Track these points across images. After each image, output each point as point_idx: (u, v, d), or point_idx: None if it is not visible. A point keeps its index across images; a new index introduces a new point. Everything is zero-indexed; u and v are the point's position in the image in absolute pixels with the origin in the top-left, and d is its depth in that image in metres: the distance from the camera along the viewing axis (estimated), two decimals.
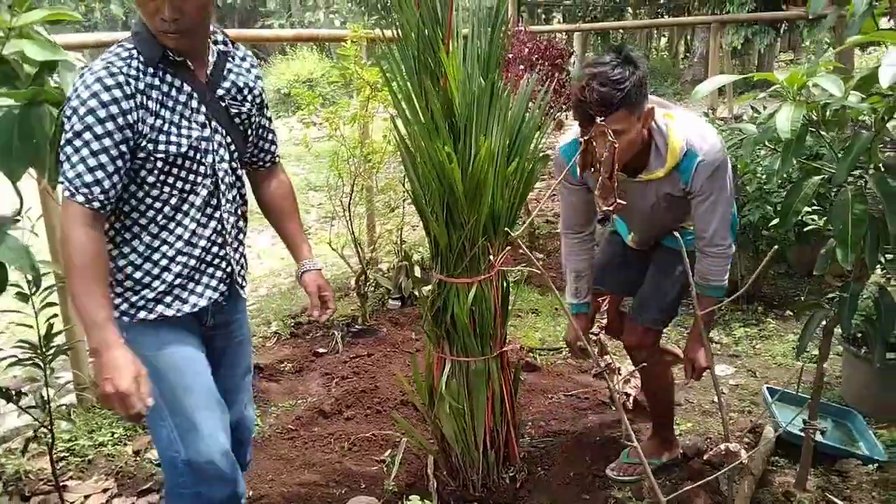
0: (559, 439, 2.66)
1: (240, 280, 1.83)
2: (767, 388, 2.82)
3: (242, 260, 1.87)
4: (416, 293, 4.13)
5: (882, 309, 1.97)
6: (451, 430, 2.27)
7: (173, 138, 1.60)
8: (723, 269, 2.14)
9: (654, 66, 20.72)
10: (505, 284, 2.30)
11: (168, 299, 1.68)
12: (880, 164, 1.83)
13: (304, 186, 7.49)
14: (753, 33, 14.75)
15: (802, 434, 2.23)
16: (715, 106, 4.83)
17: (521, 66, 4.68)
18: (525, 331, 3.73)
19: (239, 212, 1.82)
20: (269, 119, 1.89)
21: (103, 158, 1.50)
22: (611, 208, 1.35)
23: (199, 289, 1.73)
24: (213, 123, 1.68)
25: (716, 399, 1.73)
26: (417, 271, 4.15)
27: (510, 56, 4.70)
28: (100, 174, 1.50)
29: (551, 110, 2.62)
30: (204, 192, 1.68)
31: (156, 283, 1.67)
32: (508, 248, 2.23)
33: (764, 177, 3.50)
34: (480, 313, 2.20)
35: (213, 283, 1.75)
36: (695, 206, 2.07)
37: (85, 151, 1.48)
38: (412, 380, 2.38)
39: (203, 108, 1.66)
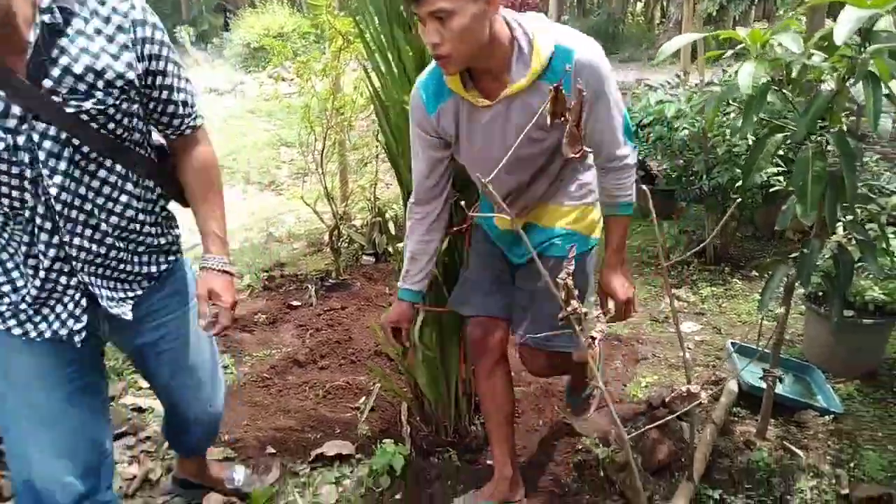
0: (530, 389, 2.73)
1: (114, 307, 1.50)
2: (731, 342, 2.92)
3: (129, 271, 1.53)
4: (390, 249, 4.15)
5: (840, 265, 2.04)
6: (423, 377, 2.32)
7: None
8: (628, 181, 1.79)
9: (630, 31, 20.68)
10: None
11: (13, 322, 1.44)
12: (840, 123, 1.88)
13: (276, 142, 7.41)
14: (728, 0, 14.79)
15: (763, 385, 2.33)
16: (687, 70, 4.88)
17: None
18: None
19: (106, 223, 1.44)
20: (172, 86, 1.47)
21: None
22: (577, 155, 1.37)
23: (51, 317, 1.44)
24: (40, 127, 1.29)
25: (681, 354, 1.78)
26: (391, 228, 4.16)
27: None
28: None
29: None
30: (27, 215, 1.34)
31: (13, 297, 1.42)
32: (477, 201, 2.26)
33: (732, 139, 3.57)
34: (453, 264, 2.23)
35: (64, 315, 1.45)
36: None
37: None
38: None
39: (16, 110, 1.26)
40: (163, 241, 1.59)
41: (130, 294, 1.55)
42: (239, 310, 3.46)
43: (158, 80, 1.44)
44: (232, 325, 1.61)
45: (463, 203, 1.93)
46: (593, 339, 1.58)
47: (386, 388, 2.58)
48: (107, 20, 1.34)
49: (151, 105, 1.47)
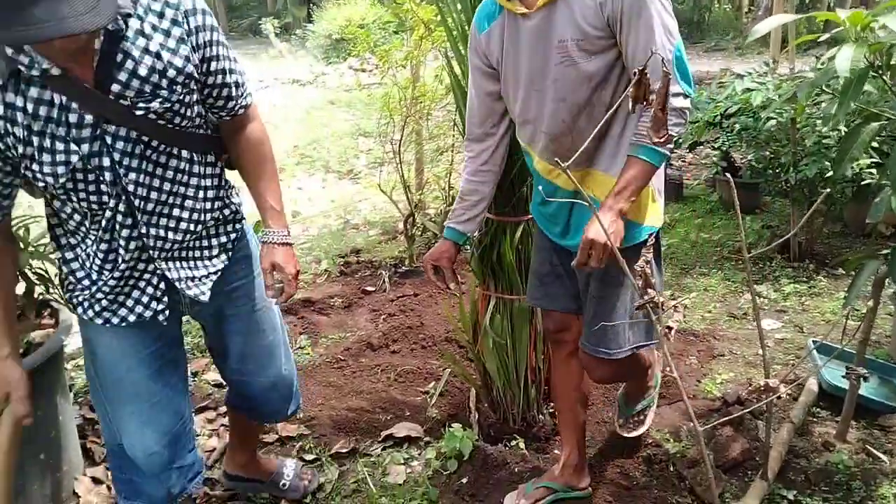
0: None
1: (191, 289, 1.58)
2: (813, 340, 2.80)
3: (206, 251, 1.62)
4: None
5: None
6: (493, 365, 2.34)
7: (47, 169, 1.33)
8: (669, 125, 1.48)
9: (716, 19, 19.94)
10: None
11: (97, 308, 1.53)
12: None
13: (355, 132, 7.56)
14: None
15: (845, 386, 2.24)
16: (776, 58, 4.68)
17: None
18: None
19: (181, 209, 1.52)
20: (224, 70, 1.50)
21: None
22: (662, 140, 1.34)
23: (129, 303, 1.54)
24: (111, 129, 1.34)
25: (759, 351, 1.73)
26: None
27: None
28: None
29: None
30: (108, 214, 1.42)
31: (92, 289, 1.51)
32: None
33: (822, 130, 3.41)
34: (527, 252, 2.23)
35: (145, 299, 1.54)
36: (625, 38, 1.53)
37: None
38: (458, 317, 2.45)
39: (88, 119, 1.32)
40: (227, 212, 1.66)
41: (212, 269, 1.63)
42: (315, 293, 3.58)
43: (213, 65, 1.46)
44: (295, 291, 1.67)
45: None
46: (669, 329, 1.55)
47: (456, 374, 2.62)
48: (161, 15, 1.36)
49: (207, 90, 1.50)
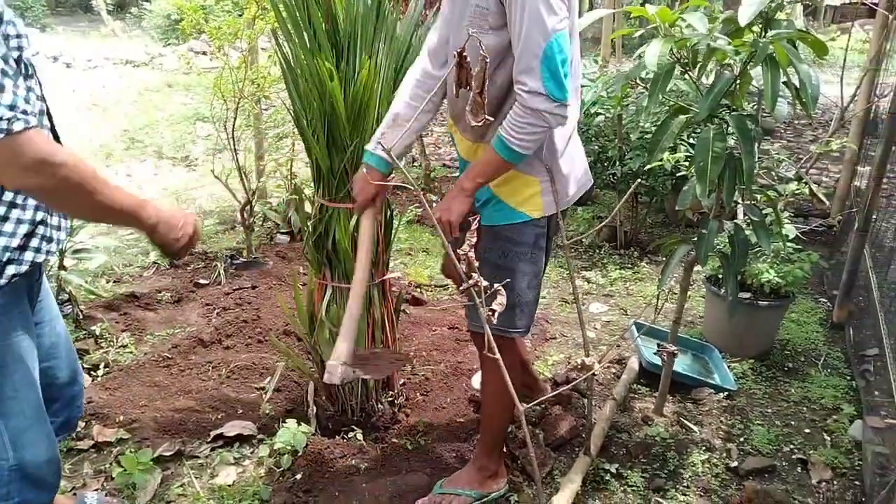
0: (439, 368, 2.73)
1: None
2: (635, 322, 2.99)
3: None
4: (304, 227, 4.07)
5: (736, 245, 2.12)
6: (330, 355, 2.27)
7: None
8: (519, 123, 1.56)
9: None
10: (388, 212, 2.29)
11: (34, 242, 1.39)
12: (742, 107, 1.94)
13: (192, 116, 7.14)
14: None
15: (661, 360, 2.40)
16: (607, 58, 4.95)
17: None
18: (415, 268, 3.76)
19: None
20: None
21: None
22: (479, 124, 1.35)
23: (34, 244, 1.40)
24: None
25: (589, 334, 1.81)
26: (308, 206, 4.07)
27: None
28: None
29: None
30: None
31: (26, 216, 1.37)
32: (392, 174, 2.22)
33: (645, 125, 3.65)
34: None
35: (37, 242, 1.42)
36: (509, 23, 1.54)
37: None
38: (295, 308, 2.36)
39: None
40: None
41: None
42: (143, 287, 3.33)
43: None
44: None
45: None
46: (493, 311, 1.57)
47: (292, 367, 2.52)
48: None
49: None
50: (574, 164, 1.81)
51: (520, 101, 1.55)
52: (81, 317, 2.86)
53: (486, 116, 1.33)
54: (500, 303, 1.53)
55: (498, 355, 1.43)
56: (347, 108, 1.99)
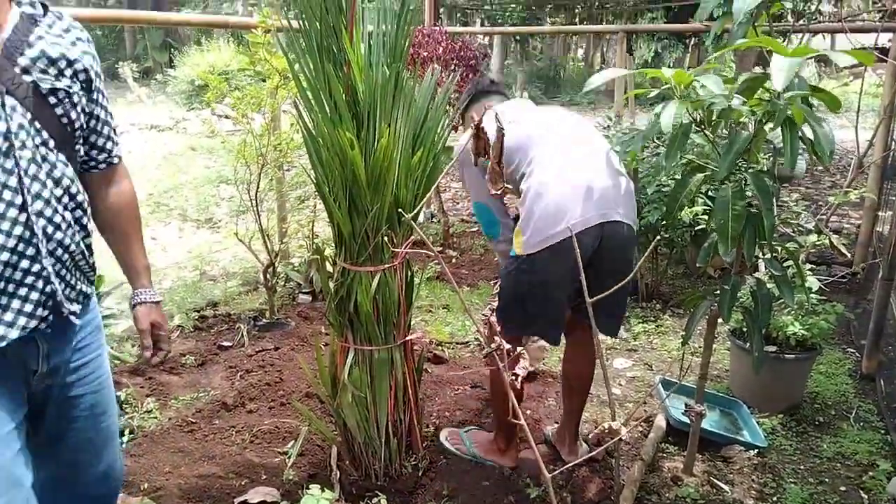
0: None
1: (68, 305, 1.40)
2: (660, 378, 2.95)
3: (75, 278, 1.45)
4: (325, 288, 4.10)
5: (759, 300, 2.10)
6: (353, 419, 2.27)
7: None
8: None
9: (570, 76, 21.33)
10: (409, 274, 2.32)
11: None
12: (759, 164, 1.96)
13: (216, 179, 7.31)
14: (663, 47, 15.46)
15: (689, 420, 2.36)
16: (620, 113, 5.02)
17: (436, 67, 4.73)
18: (435, 325, 3.77)
19: (64, 215, 1.39)
20: (106, 108, 1.55)
21: None
22: (499, 192, 1.39)
23: (9, 315, 1.30)
24: (10, 100, 1.29)
25: (614, 391, 1.80)
26: (329, 266, 4.11)
27: (424, 55, 4.74)
28: None
29: (459, 106, 2.66)
30: None
31: None
32: (412, 237, 2.25)
33: (662, 179, 3.67)
34: (384, 302, 2.21)
35: (28, 307, 1.32)
36: None
37: None
38: (317, 370, 2.37)
39: None
40: (87, 266, 1.50)
41: (81, 296, 1.47)
42: None
43: (99, 98, 1.50)
44: (171, 349, 1.76)
45: None
46: (516, 376, 1.58)
47: (315, 431, 2.52)
48: (66, 30, 1.44)
49: (91, 122, 1.50)
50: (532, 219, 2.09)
51: None
52: None
53: (505, 185, 1.36)
54: (523, 367, 1.53)
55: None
56: (368, 175, 2.03)
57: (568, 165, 2.11)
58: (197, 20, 3.91)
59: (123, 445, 2.58)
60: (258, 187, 3.65)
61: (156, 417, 2.79)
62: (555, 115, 2.40)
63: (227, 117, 10.58)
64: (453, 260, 4.87)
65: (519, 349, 1.56)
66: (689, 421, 2.35)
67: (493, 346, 1.44)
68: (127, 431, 2.65)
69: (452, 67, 4.75)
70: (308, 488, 2.16)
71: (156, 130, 10.76)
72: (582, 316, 2.06)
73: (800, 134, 1.80)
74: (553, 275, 2.08)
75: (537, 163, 2.13)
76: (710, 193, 3.58)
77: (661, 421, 2.68)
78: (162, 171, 7.78)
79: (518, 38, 20.12)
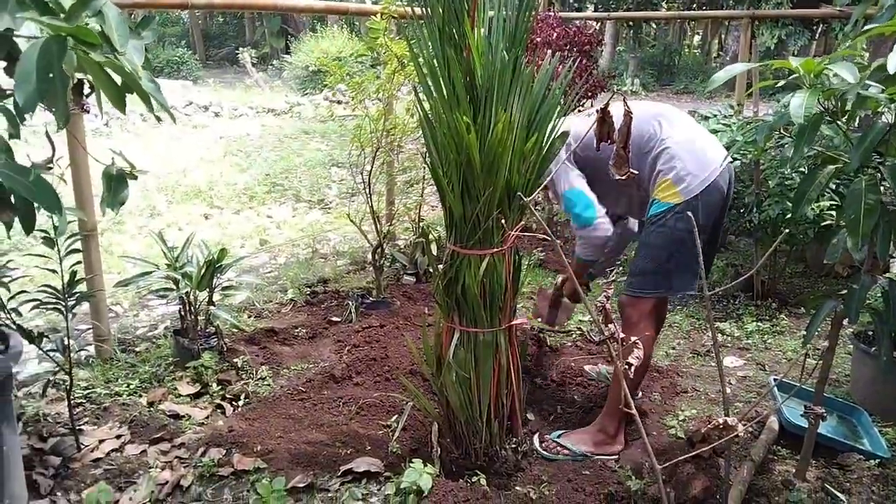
0: (564, 415, 2.69)
1: None
2: (774, 378, 2.83)
3: None
4: (432, 269, 4.18)
5: (891, 302, 1.97)
6: (456, 398, 2.31)
7: None
8: (578, 242, 2.61)
9: (686, 63, 20.50)
10: (517, 259, 2.33)
11: None
12: (895, 155, 1.83)
13: (327, 162, 7.56)
14: (787, 34, 14.56)
15: (805, 425, 2.25)
16: (741, 102, 4.80)
17: (549, 51, 4.69)
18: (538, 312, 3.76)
19: None
20: None
21: None
22: (624, 177, 1.37)
23: None
24: None
25: (722, 388, 1.75)
26: (434, 249, 4.19)
27: (538, 40, 4.70)
28: None
29: (574, 92, 2.63)
30: None
31: None
32: (522, 222, 2.26)
33: (785, 171, 3.49)
34: (491, 286, 2.23)
35: None
36: None
37: None
38: (422, 349, 2.43)
39: None
40: None
41: None
42: (279, 323, 3.53)
43: None
44: None
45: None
46: (629, 365, 1.56)
47: (418, 407, 2.58)
48: None
49: None
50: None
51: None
52: (225, 349, 3.07)
53: (631, 170, 1.34)
54: (636, 356, 1.51)
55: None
56: (482, 159, 2.05)
57: (695, 128, 2.45)
58: (319, 7, 4.03)
59: (239, 409, 2.75)
60: (371, 170, 3.75)
61: (269, 385, 2.95)
62: (654, 105, 2.61)
63: (338, 102, 10.97)
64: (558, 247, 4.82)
65: (633, 338, 1.54)
66: (806, 423, 2.24)
67: (606, 332, 1.43)
68: (242, 396, 2.82)
69: (566, 53, 4.70)
70: (411, 462, 2.24)
71: (272, 114, 11.24)
72: None
73: None
74: (706, 217, 2.33)
75: (671, 129, 2.38)
76: (839, 189, 3.38)
77: (773, 423, 2.57)
78: (277, 152, 8.13)
79: (631, 23, 19.53)
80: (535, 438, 2.54)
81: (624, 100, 1.40)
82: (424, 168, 4.37)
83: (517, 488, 2.26)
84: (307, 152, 8.14)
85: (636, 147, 2.38)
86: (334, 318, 3.63)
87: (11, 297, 2.28)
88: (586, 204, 2.46)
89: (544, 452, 2.48)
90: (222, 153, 8.00)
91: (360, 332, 3.45)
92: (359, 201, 3.98)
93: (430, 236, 4.22)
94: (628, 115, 1.31)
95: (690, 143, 2.37)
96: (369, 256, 4.07)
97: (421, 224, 4.31)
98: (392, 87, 3.76)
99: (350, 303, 3.73)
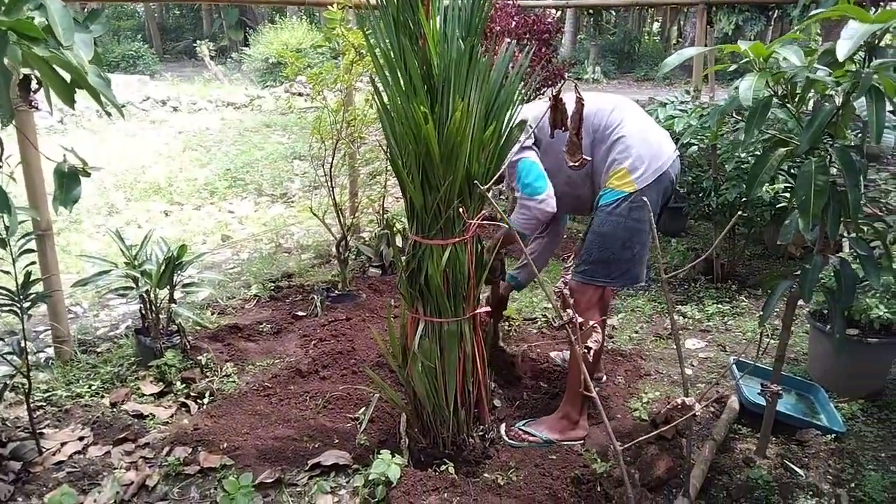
0: (531, 402, 2.72)
1: None
2: (734, 359, 2.89)
3: None
4: (397, 261, 4.17)
5: (842, 281, 2.03)
6: (423, 388, 2.32)
7: None
8: (518, 212, 2.47)
9: (646, 50, 20.71)
10: (479, 248, 2.33)
11: None
12: (845, 138, 1.88)
13: (289, 155, 7.48)
14: (744, 20, 14.81)
15: (764, 403, 2.30)
16: (699, 87, 4.87)
17: (508, 41, 4.70)
18: None
19: None
20: None
21: None
22: (577, 164, 1.38)
23: None
24: None
25: (685, 371, 1.78)
26: (399, 240, 4.18)
27: (497, 29, 4.70)
28: None
29: (531, 81, 2.65)
30: None
31: None
32: (483, 212, 2.27)
33: (741, 155, 3.55)
34: (454, 275, 2.23)
35: None
36: None
37: None
38: (388, 341, 2.42)
39: None
40: None
41: None
42: (243, 319, 3.49)
43: None
44: None
45: None
46: (588, 349, 1.58)
47: (385, 399, 2.58)
48: None
49: None
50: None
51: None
52: (188, 347, 3.03)
53: (584, 157, 1.35)
54: (595, 340, 1.53)
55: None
56: (441, 149, 2.05)
57: (647, 120, 2.48)
58: None
59: (204, 406, 2.72)
60: (332, 163, 3.72)
61: (234, 381, 2.92)
62: (609, 96, 2.62)
63: (299, 94, 10.84)
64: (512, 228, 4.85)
65: (591, 322, 1.56)
66: (764, 402, 2.30)
67: (566, 318, 1.45)
68: (207, 393, 2.79)
69: (525, 42, 4.71)
70: (379, 453, 2.24)
71: (232, 107, 11.07)
72: None
73: (890, 108, 1.71)
74: (655, 205, 2.36)
75: (626, 119, 2.41)
76: (792, 171, 3.45)
77: (733, 402, 2.63)
78: (237, 146, 8.02)
79: (591, 11, 19.64)
80: (502, 428, 2.55)
81: (576, 87, 1.40)
82: (387, 159, 4.35)
83: (485, 475, 2.28)
84: (268, 145, 8.04)
85: (591, 137, 2.40)
86: (299, 313, 3.61)
87: None
88: (538, 175, 2.43)
89: (511, 441, 2.49)
90: (181, 148, 7.86)
91: (325, 325, 3.43)
92: (322, 194, 3.95)
93: (395, 227, 4.21)
94: (580, 101, 1.32)
95: (644, 133, 2.40)
96: (334, 250, 4.05)
97: (385, 216, 4.29)
98: (351, 78, 3.73)
99: (315, 297, 3.70)
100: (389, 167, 4.19)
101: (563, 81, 1.90)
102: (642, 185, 2.33)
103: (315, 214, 3.83)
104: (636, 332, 3.41)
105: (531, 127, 2.47)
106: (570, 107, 1.42)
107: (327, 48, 3.97)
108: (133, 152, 7.50)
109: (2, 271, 2.33)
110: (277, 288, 3.97)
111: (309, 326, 3.45)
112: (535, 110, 2.53)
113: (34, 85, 1.79)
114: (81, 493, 2.18)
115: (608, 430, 1.47)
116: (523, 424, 2.55)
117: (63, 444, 2.41)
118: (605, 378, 2.90)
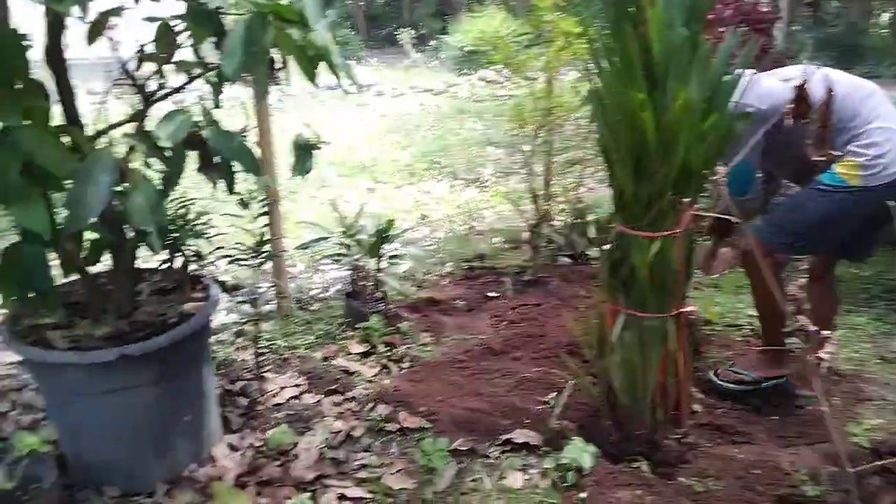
0: (733, 412, 2.58)
1: None
2: None
3: None
4: (589, 252, 4.13)
5: None
6: (619, 382, 2.28)
7: None
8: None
9: (873, 44, 18.57)
10: (691, 243, 2.24)
11: None
12: None
13: (483, 141, 7.65)
14: None
15: None
16: None
17: (722, 29, 4.45)
18: (703, 303, 3.60)
19: None
20: None
21: None
22: (823, 158, 1.28)
23: None
24: None
25: None
26: (592, 231, 4.14)
27: (710, 17, 4.46)
28: None
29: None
30: None
31: None
32: (698, 205, 2.17)
33: None
34: (661, 270, 2.17)
35: None
36: None
37: None
38: (584, 329, 2.41)
39: None
40: None
41: None
42: (439, 294, 3.66)
43: None
44: None
45: None
46: (820, 360, 1.48)
47: (580, 387, 2.57)
48: None
49: None
50: None
51: None
52: (391, 314, 3.23)
53: (831, 151, 1.25)
54: (829, 352, 1.43)
55: None
56: (657, 138, 1.99)
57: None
58: None
59: (404, 371, 2.88)
60: (532, 149, 3.75)
61: (430, 351, 3.06)
62: (860, 80, 2.44)
63: (492, 82, 11.01)
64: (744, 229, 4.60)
65: (825, 333, 1.45)
66: None
67: (798, 323, 1.35)
68: (407, 359, 2.96)
69: (740, 31, 4.43)
70: (571, 439, 2.24)
71: (430, 94, 11.50)
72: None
73: None
74: (872, 209, 2.26)
75: (879, 113, 2.27)
76: None
77: None
78: (435, 131, 8.33)
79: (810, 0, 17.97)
80: (711, 373, 2.68)
81: (826, 75, 1.29)
82: (583, 149, 4.31)
83: (681, 479, 2.20)
84: (463, 131, 8.27)
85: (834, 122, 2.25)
86: (491, 294, 3.70)
87: (210, 253, 2.53)
88: (748, 180, 2.44)
89: (720, 382, 2.61)
90: (384, 131, 8.32)
91: (516, 308, 3.49)
92: (514, 180, 4.01)
93: (588, 217, 4.16)
94: (831, 93, 1.22)
95: (893, 133, 2.25)
96: (524, 235, 4.09)
97: (578, 205, 4.26)
98: (558, 65, 3.72)
99: (507, 279, 3.77)
100: (585, 157, 4.17)
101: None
102: (869, 183, 2.23)
103: (510, 199, 3.89)
104: (856, 352, 3.10)
105: (766, 109, 2.32)
106: (816, 97, 1.32)
107: (525, 37, 3.99)
108: (340, 133, 8.06)
109: (243, 229, 2.63)
110: (470, 268, 4.10)
111: (500, 307, 3.52)
112: (772, 90, 2.38)
113: (278, 63, 1.98)
114: (297, 433, 2.41)
115: (840, 448, 1.35)
116: (730, 366, 2.66)
117: (282, 388, 2.67)
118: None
